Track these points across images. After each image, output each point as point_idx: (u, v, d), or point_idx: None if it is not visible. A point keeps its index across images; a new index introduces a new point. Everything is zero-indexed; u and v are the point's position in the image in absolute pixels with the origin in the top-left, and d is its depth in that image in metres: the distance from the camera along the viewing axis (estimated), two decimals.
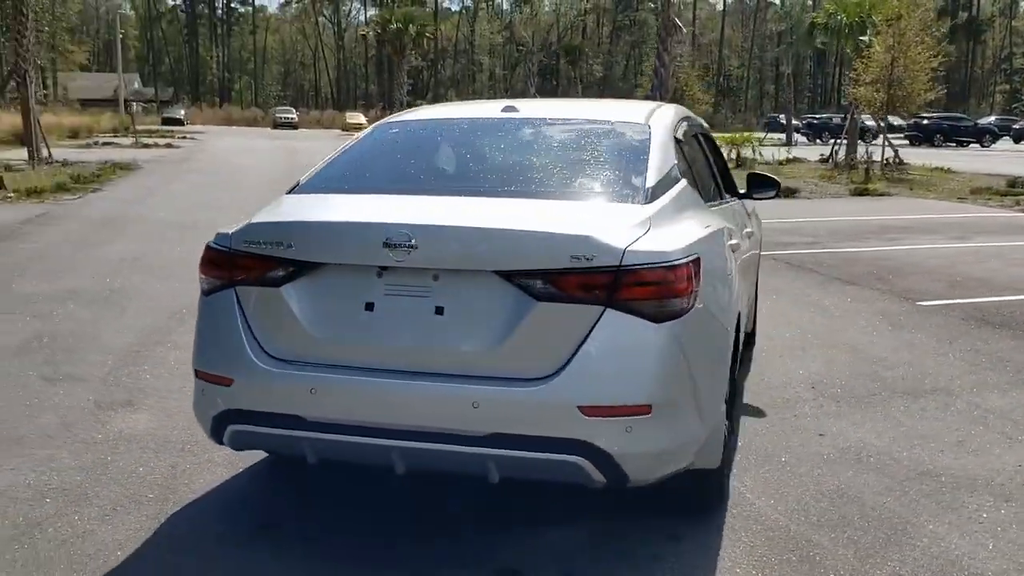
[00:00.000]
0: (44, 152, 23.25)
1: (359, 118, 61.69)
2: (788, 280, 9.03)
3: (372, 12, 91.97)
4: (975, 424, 4.91)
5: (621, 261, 3.01)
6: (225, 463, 4.10)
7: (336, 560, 3.33)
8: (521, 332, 3.02)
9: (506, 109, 4.23)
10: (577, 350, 3.00)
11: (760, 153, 25.88)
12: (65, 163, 22.56)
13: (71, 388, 5.17)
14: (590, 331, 3.00)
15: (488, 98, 27.75)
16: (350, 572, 3.26)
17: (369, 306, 3.15)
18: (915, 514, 3.79)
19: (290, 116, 69.78)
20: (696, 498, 3.73)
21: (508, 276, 3.03)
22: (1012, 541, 3.57)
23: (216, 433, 3.33)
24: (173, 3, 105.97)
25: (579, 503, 3.77)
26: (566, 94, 79.40)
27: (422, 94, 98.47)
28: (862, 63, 22.02)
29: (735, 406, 4.05)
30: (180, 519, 3.62)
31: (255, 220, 3.35)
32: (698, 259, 3.25)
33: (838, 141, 26.32)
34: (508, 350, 3.03)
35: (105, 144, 36.00)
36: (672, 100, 21.15)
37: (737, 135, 24.71)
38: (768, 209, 7.31)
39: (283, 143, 42.84)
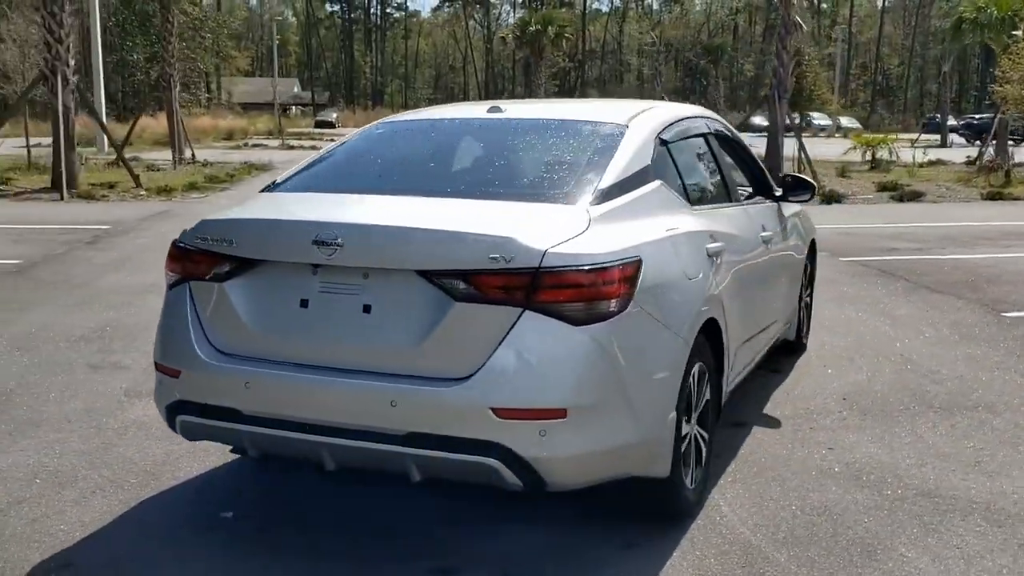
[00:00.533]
0: (188, 153, 24.56)
1: None
2: (871, 287, 8.66)
3: (521, 14, 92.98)
4: (1004, 445, 4.61)
5: (541, 263, 2.99)
6: (217, 451, 4.27)
7: (285, 551, 3.43)
8: (440, 332, 3.04)
9: (491, 110, 4.26)
10: (494, 351, 3.00)
11: (897, 155, 24.76)
12: (205, 163, 23.77)
13: (110, 376, 5.49)
14: (507, 333, 3.00)
15: (634, 98, 27.59)
16: (293, 563, 3.35)
17: (304, 303, 3.24)
18: (892, 536, 3.60)
19: None
20: (659, 507, 3.66)
21: (428, 276, 3.06)
22: (986, 570, 3.35)
23: (170, 423, 3.48)
24: (331, 10, 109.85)
25: (547, 504, 3.76)
26: (709, 94, 77.94)
27: (569, 95, 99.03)
28: (1008, 60, 20.76)
29: (710, 413, 3.93)
30: (151, 504, 3.81)
31: (206, 217, 3.49)
32: (638, 262, 3.20)
33: (987, 143, 24.87)
34: (428, 350, 3.06)
35: (255, 146, 37.75)
36: (797, 100, 20.46)
37: (872, 137, 23.69)
38: (881, 213, 7.07)
39: None
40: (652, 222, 3.54)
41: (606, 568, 3.33)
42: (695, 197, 4.21)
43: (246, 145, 38.20)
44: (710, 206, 4.37)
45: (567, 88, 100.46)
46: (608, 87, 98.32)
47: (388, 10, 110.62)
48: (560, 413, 3.00)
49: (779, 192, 5.48)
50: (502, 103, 4.33)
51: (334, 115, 71.75)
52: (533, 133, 4.07)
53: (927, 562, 3.39)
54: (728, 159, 4.91)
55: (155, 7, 57.44)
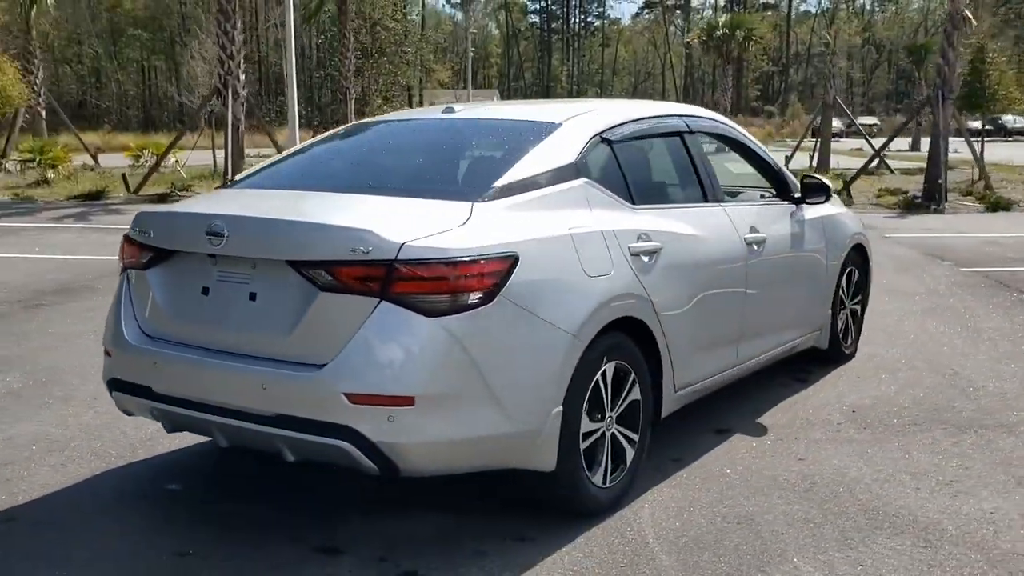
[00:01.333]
0: None
1: None
2: (972, 298, 8.10)
3: (723, 18, 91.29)
4: (995, 466, 4.27)
5: (396, 255, 3.08)
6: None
7: (206, 523, 3.68)
8: (306, 320, 3.20)
9: (445, 110, 4.38)
10: (351, 340, 3.12)
11: None
12: None
13: None
14: (364, 322, 3.11)
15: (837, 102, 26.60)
16: (204, 532, 3.58)
17: (205, 290, 3.48)
18: (801, 549, 3.44)
19: None
20: (561, 503, 3.65)
21: (297, 266, 3.22)
22: None
23: (111, 399, 3.81)
24: (532, 21, 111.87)
25: (453, 493, 3.84)
26: (913, 96, 73.59)
27: (772, 100, 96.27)
28: None
29: (640, 415, 3.88)
30: (114, 474, 4.15)
31: (140, 210, 3.80)
32: (509, 257, 3.24)
33: None
34: (297, 337, 3.22)
35: None
36: (977, 100, 19.16)
37: None
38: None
39: None
40: (553, 218, 3.54)
41: (487, 558, 3.36)
42: (642, 196, 4.15)
43: None
44: (662, 206, 4.29)
45: (770, 94, 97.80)
46: (815, 91, 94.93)
47: (589, 19, 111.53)
48: (407, 401, 3.08)
49: (798, 195, 5.31)
50: (460, 105, 4.44)
51: None
52: (468, 133, 4.16)
53: None
54: (706, 160, 4.75)
55: (360, 24, 60.56)
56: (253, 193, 3.90)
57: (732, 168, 6.38)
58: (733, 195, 5.68)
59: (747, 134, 5.32)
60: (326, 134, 4.66)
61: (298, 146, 4.56)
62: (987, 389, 5.43)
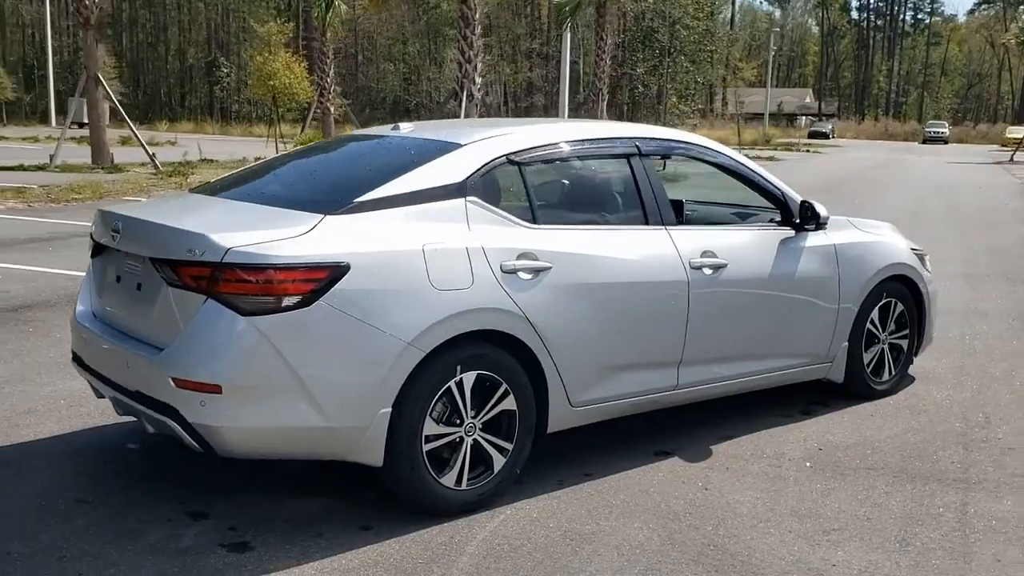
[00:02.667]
0: None
1: (1019, 132, 56.26)
2: None
3: None
4: (898, 520, 4.00)
5: (222, 258, 3.53)
6: None
7: (137, 478, 4.34)
8: (159, 309, 3.74)
9: (392, 128, 4.75)
10: (183, 330, 3.62)
11: None
12: None
13: None
14: (194, 315, 3.60)
15: None
16: (118, 487, 4.24)
17: (118, 278, 4.13)
18: (599, 571, 3.51)
19: (940, 131, 66.41)
20: (409, 499, 3.92)
21: (153, 262, 3.76)
22: None
23: None
24: (854, 18, 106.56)
25: (315, 478, 4.23)
26: None
27: None
28: None
29: (517, 426, 4.06)
30: (85, 433, 4.87)
31: (96, 208, 4.52)
32: (336, 266, 3.58)
33: None
34: (154, 323, 3.78)
35: None
36: None
37: None
38: None
39: (905, 158, 41.60)
40: (411, 233, 3.81)
41: (321, 539, 3.72)
42: (549, 217, 4.31)
43: None
44: (572, 226, 4.38)
45: None
46: None
47: (919, 15, 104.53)
48: (215, 388, 3.52)
49: (797, 220, 5.16)
50: (408, 125, 4.79)
51: (828, 126, 70.22)
52: (384, 151, 4.51)
53: None
54: (655, 183, 4.74)
55: (659, 23, 60.81)
56: (190, 197, 4.51)
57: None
58: (744, 217, 5.60)
59: (738, 157, 5.23)
60: (302, 147, 5.19)
61: (275, 156, 5.12)
62: (995, 442, 4.98)
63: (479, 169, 4.15)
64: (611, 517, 3.99)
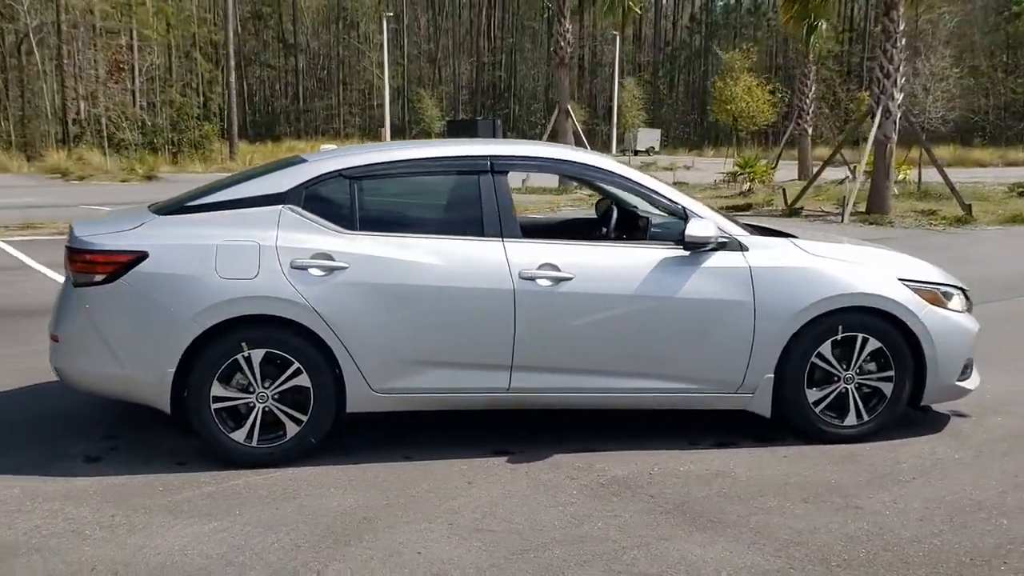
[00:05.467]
0: None
1: None
2: None
3: None
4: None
5: (73, 245, 4.81)
6: None
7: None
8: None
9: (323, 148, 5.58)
10: (60, 297, 4.95)
11: None
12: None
13: None
14: (64, 285, 4.91)
15: None
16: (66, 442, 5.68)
17: None
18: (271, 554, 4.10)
19: None
20: (206, 446, 4.79)
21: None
22: None
23: None
24: None
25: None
26: None
27: None
28: None
29: (312, 401, 4.72)
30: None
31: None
32: (137, 254, 4.66)
33: None
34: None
35: None
36: None
37: None
38: None
39: None
40: (213, 231, 4.70)
41: (155, 463, 4.80)
42: (370, 224, 4.84)
43: None
44: (392, 234, 4.81)
45: None
46: None
47: None
48: (55, 338, 4.79)
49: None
50: (330, 146, 5.57)
51: None
52: (271, 166, 5.32)
53: None
54: (500, 198, 4.94)
55: None
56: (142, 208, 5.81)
57: None
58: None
59: (632, 174, 5.14)
60: None
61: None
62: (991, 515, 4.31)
63: (306, 182, 4.88)
64: (354, 490, 4.46)
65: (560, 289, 4.83)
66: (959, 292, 5.36)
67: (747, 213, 18.87)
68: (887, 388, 5.14)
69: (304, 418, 4.78)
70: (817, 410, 5.11)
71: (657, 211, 5.38)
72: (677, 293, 4.91)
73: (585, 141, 25.88)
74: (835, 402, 5.13)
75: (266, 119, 75.43)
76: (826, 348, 5.05)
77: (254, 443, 4.76)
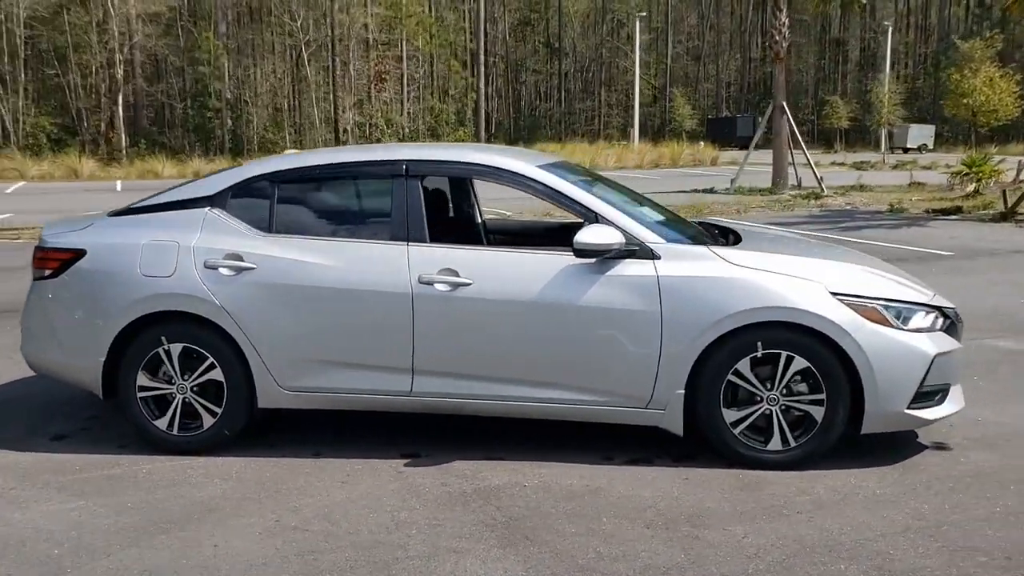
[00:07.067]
0: None
1: None
2: None
3: None
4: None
5: (39, 242, 5.37)
6: None
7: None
8: None
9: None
10: None
11: None
12: None
13: None
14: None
15: None
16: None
17: None
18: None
19: None
20: (138, 432, 5.17)
21: None
22: None
23: None
24: None
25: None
26: None
27: None
28: None
29: (227, 392, 4.98)
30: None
31: None
32: (77, 251, 5.15)
33: None
34: None
35: None
36: None
37: None
38: None
39: None
40: (143, 231, 5.11)
41: (103, 444, 5.29)
42: (286, 227, 5.04)
43: None
44: (304, 237, 4.97)
45: None
46: None
47: None
48: (22, 328, 5.36)
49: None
50: (293, 151, 5.78)
51: None
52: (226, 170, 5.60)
53: None
54: (411, 203, 4.93)
55: None
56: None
57: None
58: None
59: (543, 178, 4.96)
60: None
61: None
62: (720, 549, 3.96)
63: (232, 186, 5.16)
64: (239, 494, 4.69)
65: (457, 294, 4.79)
66: (926, 310, 4.76)
67: (953, 218, 17.15)
68: (818, 413, 4.66)
69: (219, 411, 5.06)
70: (736, 431, 4.73)
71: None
72: (579, 301, 4.73)
73: (801, 141, 24.51)
74: (759, 424, 4.73)
75: (529, 122, 77.38)
76: (744, 365, 4.66)
77: (175, 432, 5.10)
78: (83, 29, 47.17)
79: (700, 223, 6.18)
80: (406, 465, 4.86)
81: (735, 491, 4.44)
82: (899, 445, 4.99)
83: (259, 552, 3.86)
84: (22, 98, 47.98)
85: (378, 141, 45.45)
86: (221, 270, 4.97)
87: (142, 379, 5.07)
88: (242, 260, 4.97)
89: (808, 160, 24.05)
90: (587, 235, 4.67)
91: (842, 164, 37.46)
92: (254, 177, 5.19)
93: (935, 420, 4.79)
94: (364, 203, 5.29)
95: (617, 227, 4.76)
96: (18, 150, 40.47)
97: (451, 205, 6.15)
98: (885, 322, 4.63)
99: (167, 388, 5.08)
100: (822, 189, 22.92)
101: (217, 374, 5.02)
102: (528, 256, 4.90)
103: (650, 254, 4.75)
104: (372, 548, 3.88)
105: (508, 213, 15.91)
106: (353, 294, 4.88)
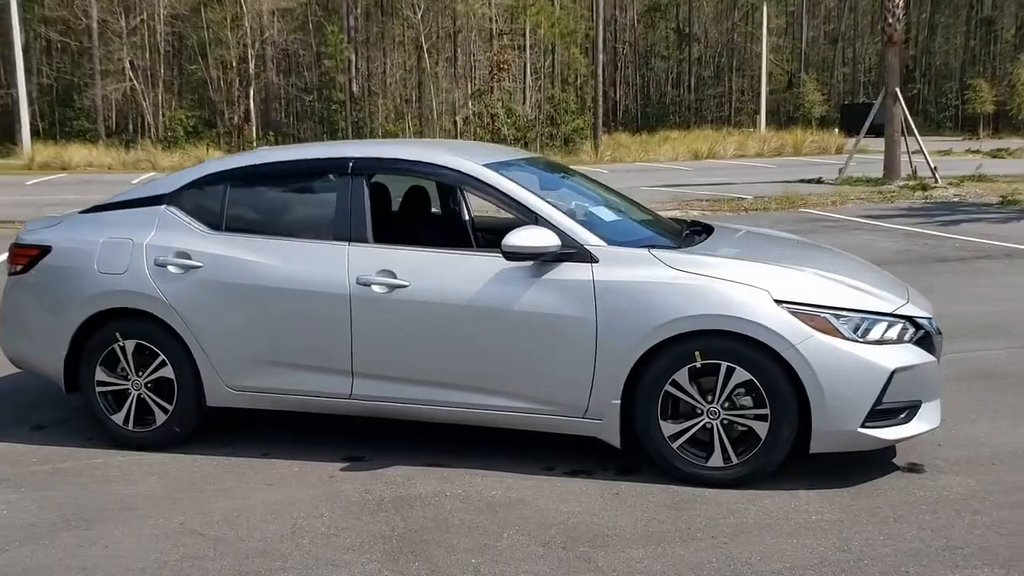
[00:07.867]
0: None
1: None
2: None
3: None
4: None
5: (15, 239, 5.53)
6: None
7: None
8: None
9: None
10: None
11: None
12: None
13: None
14: None
15: None
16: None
17: None
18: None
19: None
20: (101, 425, 5.27)
21: None
22: None
23: None
24: None
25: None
26: None
27: None
28: None
29: (176, 388, 5.01)
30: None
31: None
32: (43, 248, 5.29)
33: None
34: None
35: None
36: None
37: None
38: None
39: None
40: (103, 229, 5.20)
41: (73, 436, 5.43)
42: (236, 225, 5.03)
43: None
44: (252, 235, 4.96)
45: None
46: None
47: None
48: (1, 323, 5.53)
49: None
50: (266, 149, 5.73)
51: None
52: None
53: None
54: (355, 201, 4.83)
55: None
56: None
57: None
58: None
59: (490, 179, 4.78)
60: None
61: None
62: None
63: (188, 184, 5.19)
64: (161, 493, 4.71)
65: (394, 296, 4.68)
66: (890, 321, 4.37)
67: None
68: (762, 429, 4.34)
69: (170, 408, 5.10)
70: (674, 445, 4.45)
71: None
72: (514, 305, 4.54)
73: (916, 130, 23.12)
74: (702, 439, 4.44)
75: (657, 110, 76.24)
76: (683, 376, 4.38)
77: (131, 427, 5.17)
78: (220, 25, 48.96)
79: (690, 222, 5.88)
80: (341, 469, 4.78)
81: (661, 509, 4.18)
82: (868, 465, 4.60)
83: (141, 555, 3.85)
84: (163, 92, 50.27)
85: (497, 131, 45.56)
86: (170, 268, 5.00)
87: (100, 374, 5.16)
88: (190, 258, 4.98)
89: (921, 148, 22.70)
90: (516, 238, 4.47)
91: (977, 152, 35.34)
92: (209, 175, 5.20)
93: (898, 440, 4.40)
94: (311, 202, 5.23)
95: (556, 229, 4.55)
96: (155, 142, 42.34)
97: (420, 205, 5.92)
98: (835, 333, 4.27)
99: (123, 384, 5.15)
100: (936, 179, 21.64)
101: (168, 371, 5.05)
102: (468, 258, 4.74)
103: (588, 257, 4.52)
104: (254, 558, 3.81)
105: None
106: (294, 294, 4.82)
